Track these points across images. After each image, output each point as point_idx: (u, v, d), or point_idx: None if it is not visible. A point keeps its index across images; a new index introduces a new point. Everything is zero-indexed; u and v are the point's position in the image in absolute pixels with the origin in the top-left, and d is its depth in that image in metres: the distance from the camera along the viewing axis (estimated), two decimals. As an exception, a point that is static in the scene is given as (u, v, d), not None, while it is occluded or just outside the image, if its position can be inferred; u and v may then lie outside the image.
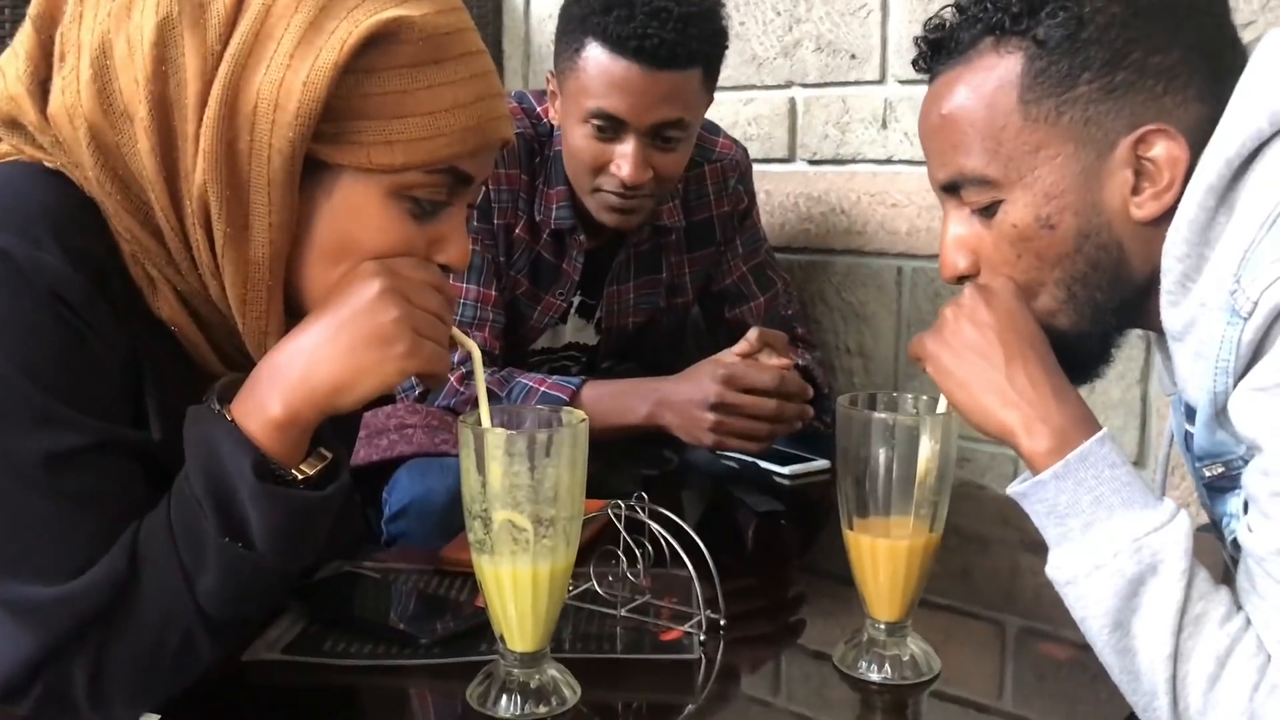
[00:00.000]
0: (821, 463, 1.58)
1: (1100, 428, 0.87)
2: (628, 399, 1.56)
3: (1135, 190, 0.90)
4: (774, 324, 1.78)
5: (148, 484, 0.86)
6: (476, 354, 0.92)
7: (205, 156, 0.81)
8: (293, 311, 0.88)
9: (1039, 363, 0.90)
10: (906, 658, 0.97)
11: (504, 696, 0.88)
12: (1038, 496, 0.86)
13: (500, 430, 0.86)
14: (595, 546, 1.10)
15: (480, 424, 0.88)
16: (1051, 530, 0.86)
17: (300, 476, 0.85)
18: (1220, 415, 0.84)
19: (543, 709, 0.88)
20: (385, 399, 1.53)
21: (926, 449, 0.94)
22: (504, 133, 0.91)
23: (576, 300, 1.77)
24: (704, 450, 1.58)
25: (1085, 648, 0.87)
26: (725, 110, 2.14)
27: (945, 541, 0.99)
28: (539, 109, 1.69)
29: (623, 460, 1.57)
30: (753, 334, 1.54)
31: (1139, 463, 1.74)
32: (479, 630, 0.98)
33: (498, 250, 1.65)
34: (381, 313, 0.84)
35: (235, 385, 0.86)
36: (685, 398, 1.52)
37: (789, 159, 2.11)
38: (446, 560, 1.17)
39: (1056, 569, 0.85)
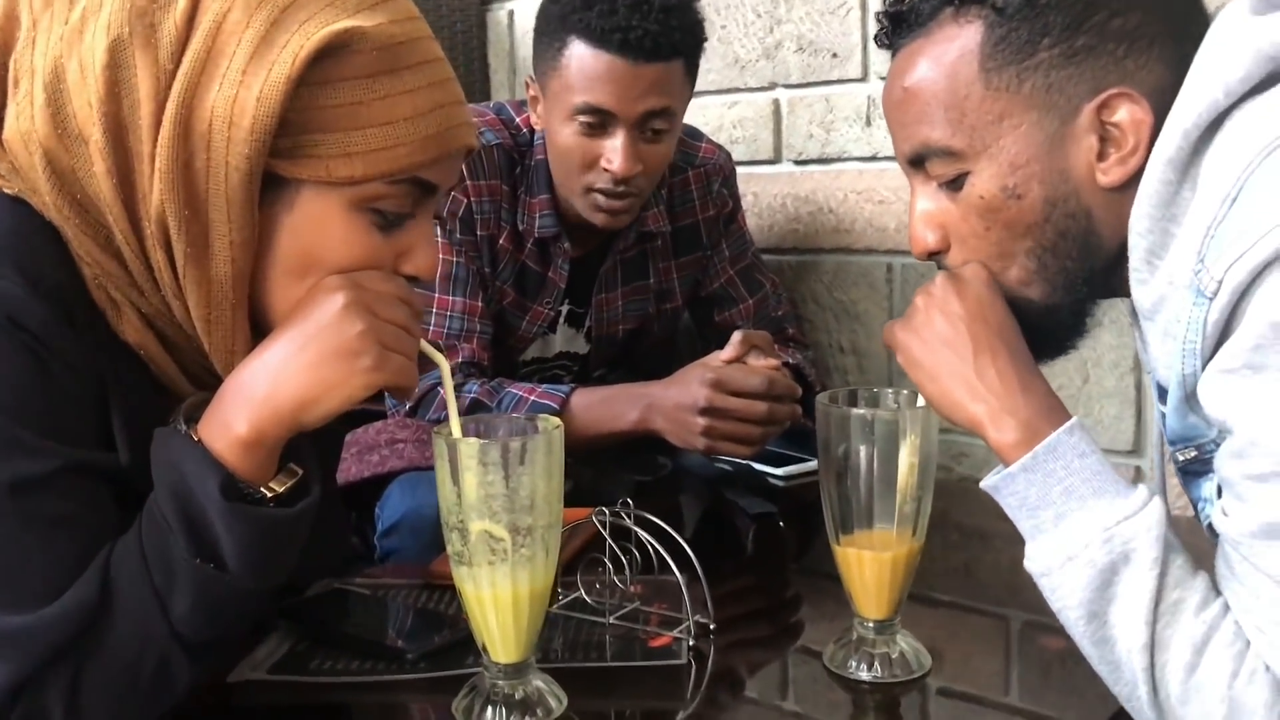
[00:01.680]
0: (815, 462, 1.56)
1: (1069, 417, 0.86)
2: (618, 405, 1.55)
3: (1101, 156, 0.88)
4: (764, 325, 1.77)
5: (119, 508, 0.85)
6: (445, 366, 0.91)
7: (162, 176, 0.81)
8: (259, 329, 0.87)
9: (1008, 355, 0.89)
10: (896, 655, 0.96)
11: (489, 709, 0.87)
12: (1008, 490, 0.85)
13: (473, 440, 0.85)
14: (584, 555, 1.09)
15: (453, 435, 0.87)
16: (1025, 523, 0.85)
17: (270, 494, 0.85)
18: (1190, 399, 0.82)
19: (528, 720, 0.87)
20: (371, 415, 1.53)
21: (907, 444, 0.93)
22: (466, 140, 0.90)
23: (565, 309, 1.76)
24: (697, 453, 1.57)
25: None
26: (710, 114, 2.14)
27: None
28: (518, 119, 1.69)
29: (615, 466, 1.57)
30: (737, 337, 1.53)
31: (1135, 451, 1.72)
32: (467, 643, 0.97)
33: (482, 261, 1.64)
34: (346, 326, 0.84)
35: (202, 405, 0.86)
36: (675, 402, 1.51)
37: (775, 160, 2.10)
38: (435, 574, 1.16)
39: (1031, 561, 0.84)
